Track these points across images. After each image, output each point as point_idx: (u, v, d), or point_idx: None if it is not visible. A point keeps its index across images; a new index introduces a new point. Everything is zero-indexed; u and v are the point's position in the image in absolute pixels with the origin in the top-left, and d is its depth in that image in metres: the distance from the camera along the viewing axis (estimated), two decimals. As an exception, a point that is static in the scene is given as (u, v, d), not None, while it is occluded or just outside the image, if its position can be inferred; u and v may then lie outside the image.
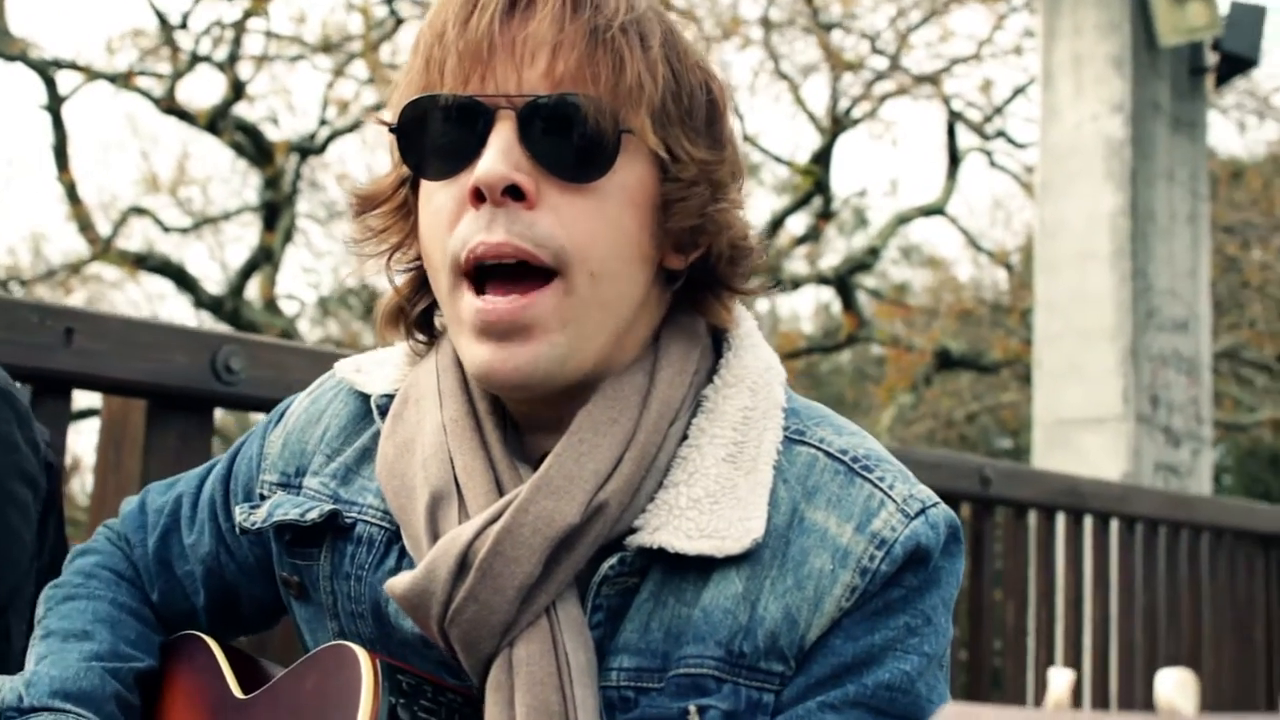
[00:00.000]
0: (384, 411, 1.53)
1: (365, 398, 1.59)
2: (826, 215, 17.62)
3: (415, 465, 1.42)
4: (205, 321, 17.08)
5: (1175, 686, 0.66)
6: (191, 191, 17.48)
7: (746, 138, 17.32)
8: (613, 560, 1.36)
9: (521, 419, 1.46)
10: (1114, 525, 5.37)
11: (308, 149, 15.63)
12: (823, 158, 16.52)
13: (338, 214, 18.03)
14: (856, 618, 1.35)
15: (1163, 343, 7.40)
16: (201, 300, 14.73)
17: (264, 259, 15.00)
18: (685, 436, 1.41)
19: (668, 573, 1.36)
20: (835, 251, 20.60)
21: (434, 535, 1.37)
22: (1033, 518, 4.91)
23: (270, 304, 15.21)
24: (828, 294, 19.72)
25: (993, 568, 4.69)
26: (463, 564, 1.31)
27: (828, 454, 1.42)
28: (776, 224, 16.84)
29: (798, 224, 17.93)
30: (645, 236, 1.39)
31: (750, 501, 1.36)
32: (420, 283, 1.50)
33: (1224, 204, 16.36)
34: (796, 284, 17.40)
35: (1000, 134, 17.49)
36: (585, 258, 1.34)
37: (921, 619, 1.37)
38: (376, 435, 1.53)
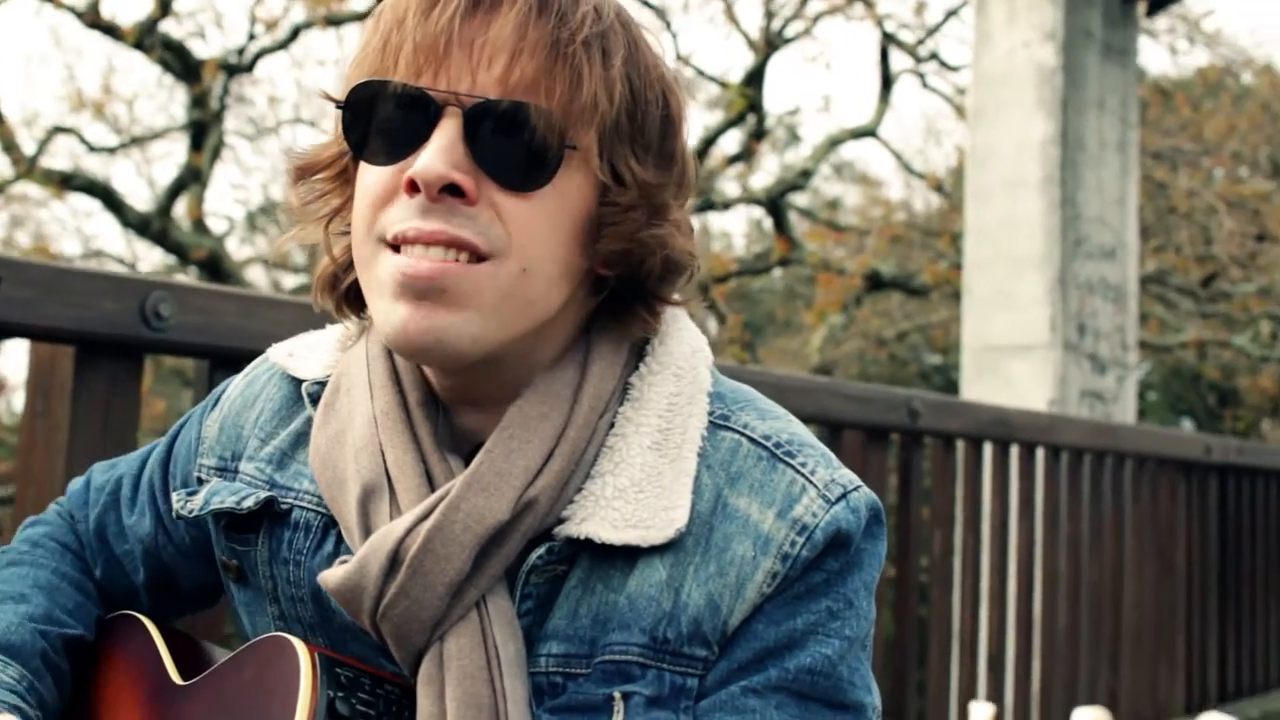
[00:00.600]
0: (315, 400, 1.53)
1: (298, 382, 1.59)
2: (759, 135, 17.59)
3: (347, 457, 1.42)
4: (133, 241, 16.91)
5: (1088, 721, 0.68)
6: (118, 108, 17.24)
7: (679, 57, 17.23)
8: (540, 550, 1.37)
9: (451, 404, 1.46)
10: (1040, 454, 5.45)
11: (236, 67, 15.42)
12: (756, 78, 16.47)
13: (266, 130, 17.85)
14: (778, 602, 1.36)
15: (1090, 270, 7.46)
16: (129, 221, 14.54)
17: (191, 178, 14.81)
18: (612, 425, 1.42)
19: (595, 560, 1.37)
20: (767, 171, 20.60)
21: (366, 529, 1.38)
22: (960, 448, 4.97)
23: (198, 224, 15.04)
24: (759, 211, 19.73)
25: (920, 495, 4.76)
26: (394, 561, 1.32)
27: (751, 439, 1.43)
28: (709, 143, 16.81)
29: (730, 141, 17.93)
30: (576, 247, 1.38)
31: (674, 490, 1.37)
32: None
33: (1153, 129, 16.47)
34: (727, 205, 17.40)
35: (933, 56, 17.49)
36: (522, 252, 1.33)
37: (843, 602, 1.38)
38: (310, 420, 1.53)
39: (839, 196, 24.69)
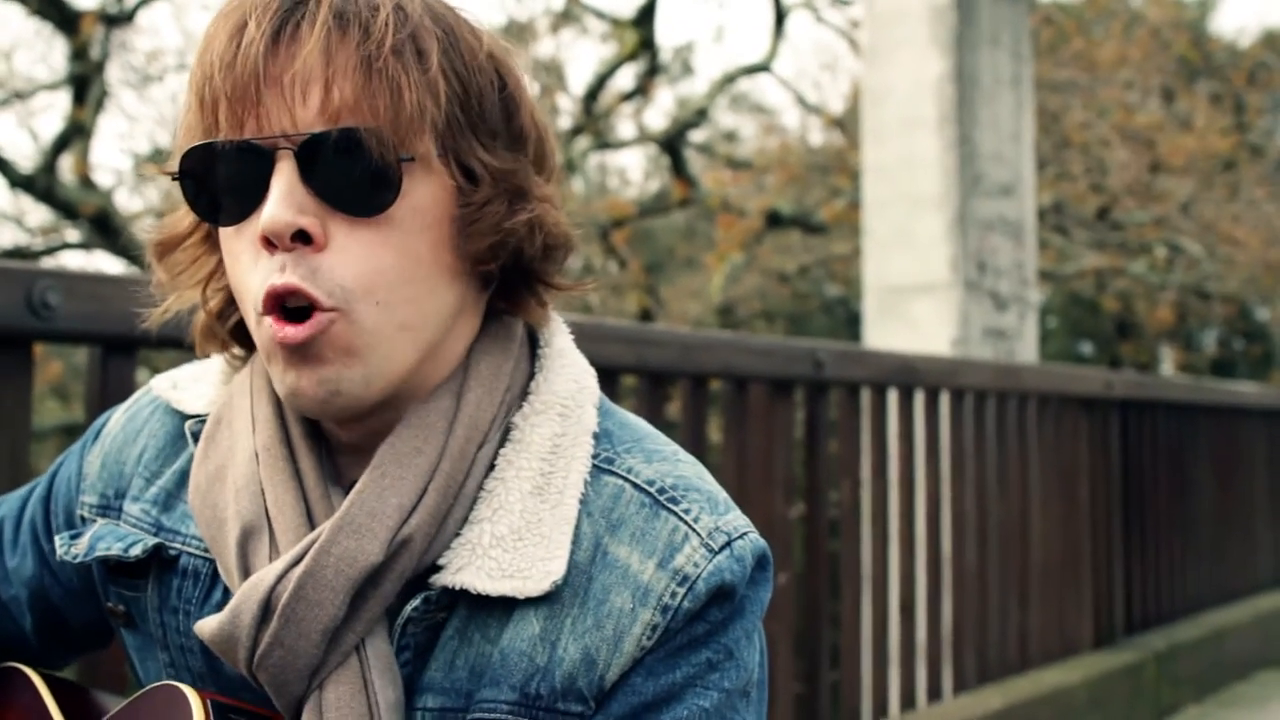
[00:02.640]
0: (198, 436, 1.47)
1: (183, 417, 1.53)
2: (653, 72, 17.52)
3: (227, 495, 1.37)
4: (20, 198, 16.54)
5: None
6: (-6, 61, 16.81)
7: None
8: (416, 601, 1.32)
9: (335, 438, 1.41)
10: (944, 398, 5.47)
11: (115, 17, 15.07)
12: (647, 14, 16.37)
13: (151, 78, 17.50)
14: (659, 654, 1.32)
15: (988, 208, 7.48)
16: (14, 179, 14.21)
17: (76, 133, 14.49)
18: (493, 467, 1.37)
19: (473, 609, 1.33)
20: (661, 106, 20.54)
21: (245, 572, 1.33)
22: (865, 396, 4.97)
23: (85, 180, 14.72)
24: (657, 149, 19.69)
25: (827, 444, 4.75)
26: (266, 608, 1.27)
27: (634, 485, 1.38)
28: (602, 80, 16.72)
29: (624, 77, 17.82)
30: (446, 253, 1.33)
31: (553, 539, 1.33)
32: (231, 299, 1.43)
33: (1046, 59, 16.56)
34: (623, 146, 17.34)
35: (825, -12, 17.49)
36: (370, 290, 1.28)
37: (723, 653, 1.34)
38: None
39: (735, 129, 24.70)
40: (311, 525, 1.33)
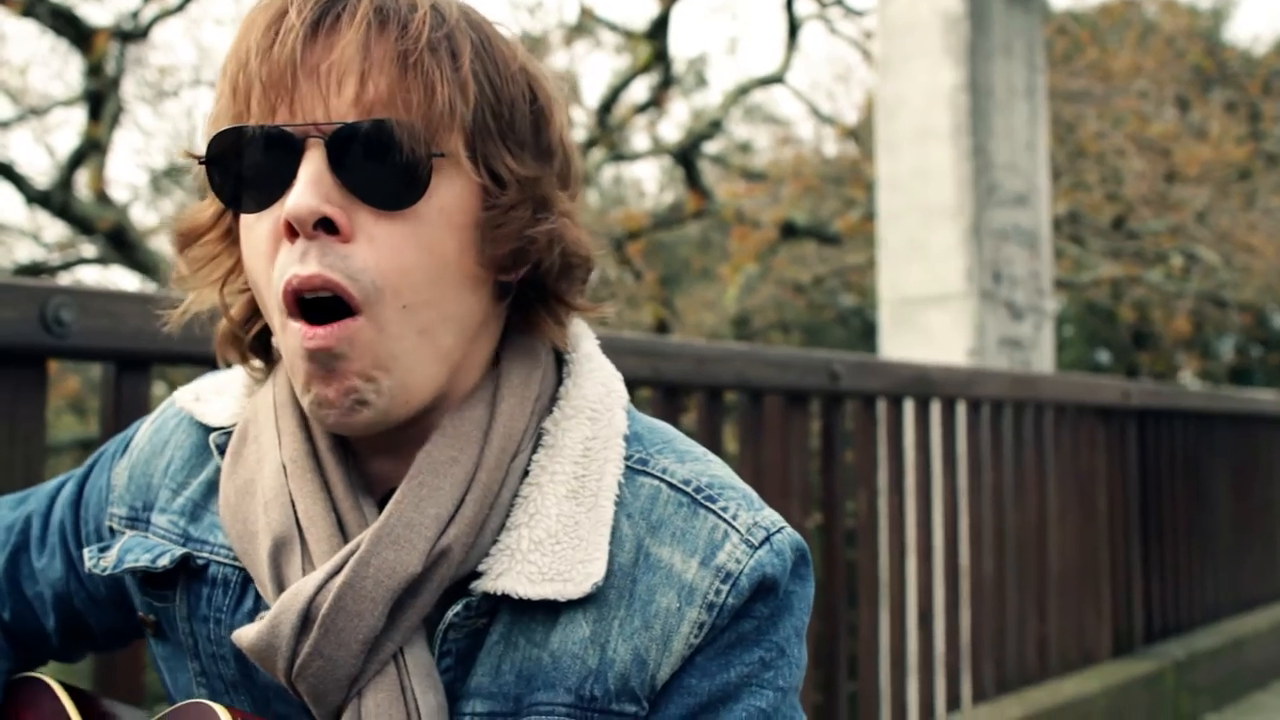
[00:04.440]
0: (223, 450, 1.47)
1: (208, 429, 1.53)
2: (667, 84, 17.53)
3: (257, 509, 1.37)
4: (37, 213, 16.60)
5: None
6: (11, 77, 16.87)
7: (584, 10, 17.13)
8: (458, 607, 1.32)
9: (363, 450, 1.41)
10: (961, 408, 5.45)
11: (130, 34, 15.11)
12: (661, 27, 16.39)
13: (166, 93, 17.55)
14: (709, 653, 1.33)
15: (1003, 218, 7.47)
16: (30, 195, 14.25)
17: (91, 149, 14.52)
18: (527, 472, 1.38)
19: (516, 613, 1.33)
20: (675, 117, 20.54)
21: (279, 583, 1.33)
22: (882, 407, 4.97)
23: (101, 195, 14.75)
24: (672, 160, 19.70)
25: (844, 455, 4.74)
26: (306, 619, 1.27)
27: (670, 485, 1.39)
28: (617, 91, 16.74)
29: (639, 89, 17.85)
30: (469, 258, 1.33)
31: (591, 541, 1.33)
32: (254, 307, 1.44)
33: (1060, 69, 16.55)
34: (636, 158, 17.34)
35: (838, 1, 17.48)
36: (397, 290, 1.28)
37: (775, 651, 1.35)
38: (220, 469, 1.47)
39: (749, 141, 24.71)
40: (343, 535, 1.33)
